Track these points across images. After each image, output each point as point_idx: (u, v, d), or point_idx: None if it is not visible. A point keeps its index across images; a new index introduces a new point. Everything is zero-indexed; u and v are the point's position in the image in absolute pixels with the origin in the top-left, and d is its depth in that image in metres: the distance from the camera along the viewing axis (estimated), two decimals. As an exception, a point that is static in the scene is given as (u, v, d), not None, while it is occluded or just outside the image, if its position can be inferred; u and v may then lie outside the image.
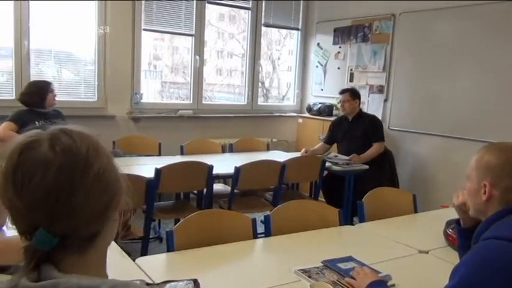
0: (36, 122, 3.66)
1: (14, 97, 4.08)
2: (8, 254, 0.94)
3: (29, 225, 0.78)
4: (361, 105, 4.63)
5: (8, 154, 0.79)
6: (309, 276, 1.70)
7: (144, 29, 4.96)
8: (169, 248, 1.92)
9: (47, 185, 0.76)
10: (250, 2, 5.66)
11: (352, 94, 4.52)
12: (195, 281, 1.50)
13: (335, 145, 4.68)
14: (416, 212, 2.75)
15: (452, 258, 1.80)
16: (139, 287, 0.81)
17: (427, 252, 2.04)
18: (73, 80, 4.80)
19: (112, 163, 0.85)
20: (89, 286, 0.76)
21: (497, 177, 1.37)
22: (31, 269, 0.78)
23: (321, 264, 1.80)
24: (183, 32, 5.29)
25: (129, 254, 1.80)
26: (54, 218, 0.77)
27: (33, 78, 4.30)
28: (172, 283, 1.48)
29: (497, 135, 3.69)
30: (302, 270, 1.74)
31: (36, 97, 3.68)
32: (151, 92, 5.35)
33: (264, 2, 5.72)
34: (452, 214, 1.76)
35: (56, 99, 3.86)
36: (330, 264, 1.79)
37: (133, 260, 1.74)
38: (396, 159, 4.71)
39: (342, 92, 4.59)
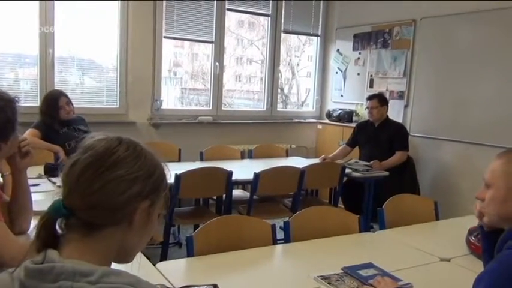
0: (60, 130, 3.72)
1: (38, 104, 4.16)
2: None
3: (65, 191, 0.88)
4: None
5: (102, 139, 0.91)
6: (329, 283, 1.69)
7: (165, 37, 5.03)
8: (189, 253, 1.93)
9: (107, 177, 0.87)
10: (270, 8, 5.69)
11: (380, 100, 4.40)
12: (215, 286, 1.51)
13: (356, 150, 4.62)
14: (437, 219, 2.71)
15: (475, 266, 1.77)
16: (132, 277, 0.83)
17: (449, 260, 2.01)
18: (95, 87, 4.89)
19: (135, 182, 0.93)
20: (83, 271, 0.81)
21: None
22: (38, 245, 0.85)
23: (341, 271, 1.79)
24: (203, 39, 5.34)
25: (148, 259, 1.81)
26: (73, 194, 0.87)
27: (56, 86, 4.40)
28: (192, 288, 1.49)
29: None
30: (322, 276, 1.73)
31: (49, 118, 3.69)
32: (171, 99, 5.41)
33: (283, 8, 5.74)
34: (475, 222, 1.73)
35: (79, 105, 3.91)
36: (350, 271, 1.78)
37: (154, 265, 1.76)
38: (417, 166, 4.65)
39: (370, 98, 4.46)
